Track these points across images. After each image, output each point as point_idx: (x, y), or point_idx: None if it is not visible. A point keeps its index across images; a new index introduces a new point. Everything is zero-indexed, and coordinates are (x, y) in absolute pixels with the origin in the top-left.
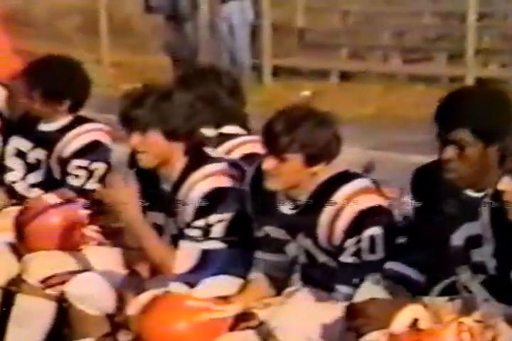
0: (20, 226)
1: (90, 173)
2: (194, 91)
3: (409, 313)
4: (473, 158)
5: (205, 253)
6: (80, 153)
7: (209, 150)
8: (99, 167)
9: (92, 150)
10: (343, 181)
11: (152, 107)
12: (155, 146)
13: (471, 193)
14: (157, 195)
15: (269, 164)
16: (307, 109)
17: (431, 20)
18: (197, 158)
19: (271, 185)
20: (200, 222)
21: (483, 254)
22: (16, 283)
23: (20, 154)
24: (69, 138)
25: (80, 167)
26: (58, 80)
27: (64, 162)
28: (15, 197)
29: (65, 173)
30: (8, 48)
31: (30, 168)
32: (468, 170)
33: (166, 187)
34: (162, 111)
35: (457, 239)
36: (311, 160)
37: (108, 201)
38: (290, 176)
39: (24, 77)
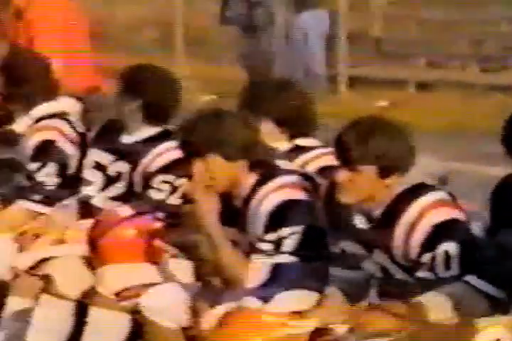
0: (93, 239)
1: (174, 188)
2: (286, 102)
3: (491, 333)
4: None
5: (277, 268)
6: (166, 169)
7: (279, 163)
8: (184, 183)
9: (179, 167)
10: (418, 194)
11: (205, 132)
12: (219, 169)
13: None
14: (230, 210)
15: (342, 176)
16: (380, 120)
17: (509, 28)
18: (267, 172)
19: (344, 198)
20: (272, 235)
21: None
22: (90, 296)
23: (100, 167)
24: (157, 153)
25: (165, 181)
26: (136, 78)
27: (149, 176)
28: (88, 211)
29: (147, 187)
30: (90, 63)
31: (111, 181)
32: None
33: (237, 202)
34: (216, 135)
35: None
36: (385, 171)
37: (192, 209)
38: (364, 188)
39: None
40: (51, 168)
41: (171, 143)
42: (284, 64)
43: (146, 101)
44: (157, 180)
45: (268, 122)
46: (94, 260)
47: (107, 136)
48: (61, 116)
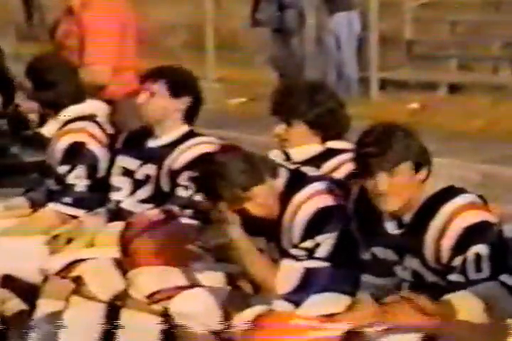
0: (125, 242)
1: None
2: (319, 105)
3: None
4: None
5: (309, 272)
6: (191, 165)
7: (307, 170)
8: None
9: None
10: (447, 197)
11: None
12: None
13: None
14: (256, 220)
15: (382, 183)
16: (392, 123)
17: None
18: (295, 180)
19: (388, 205)
20: (308, 243)
21: None
22: (122, 298)
23: (128, 172)
24: (180, 150)
25: (190, 178)
26: (181, 76)
27: (174, 174)
28: (118, 216)
29: (174, 185)
30: (134, 68)
31: (139, 184)
32: None
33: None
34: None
35: None
36: (417, 166)
37: (215, 217)
38: (404, 190)
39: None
40: (81, 170)
41: (195, 140)
42: (315, 66)
43: (194, 99)
44: (183, 177)
45: (301, 125)
46: (125, 262)
47: (134, 142)
48: (89, 118)
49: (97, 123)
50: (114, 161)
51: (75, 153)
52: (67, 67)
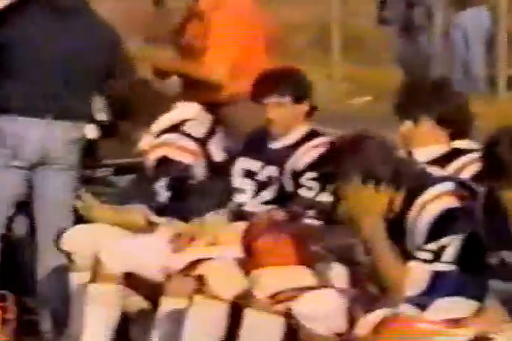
0: (248, 242)
1: (324, 185)
2: (447, 101)
3: None
4: None
5: (437, 276)
6: (314, 166)
7: (431, 170)
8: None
9: (326, 163)
10: None
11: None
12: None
13: None
14: None
15: None
16: None
17: None
18: (419, 182)
19: None
20: (433, 245)
21: None
22: (245, 298)
23: (250, 174)
24: (303, 150)
25: (313, 179)
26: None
27: (297, 174)
28: (241, 218)
29: (297, 186)
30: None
31: (263, 186)
32: None
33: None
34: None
35: None
36: None
37: (353, 212)
38: None
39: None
40: (166, 182)
41: (318, 140)
42: (442, 64)
43: (311, 102)
44: (305, 178)
45: (428, 121)
46: (248, 262)
47: (255, 144)
48: (176, 128)
49: (183, 132)
50: (234, 163)
51: (159, 168)
52: (144, 88)
